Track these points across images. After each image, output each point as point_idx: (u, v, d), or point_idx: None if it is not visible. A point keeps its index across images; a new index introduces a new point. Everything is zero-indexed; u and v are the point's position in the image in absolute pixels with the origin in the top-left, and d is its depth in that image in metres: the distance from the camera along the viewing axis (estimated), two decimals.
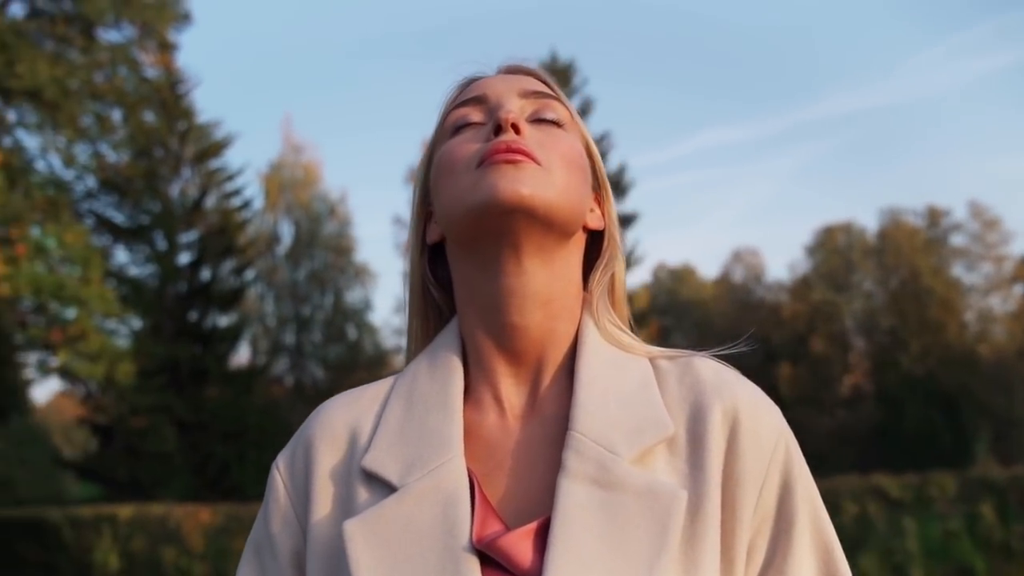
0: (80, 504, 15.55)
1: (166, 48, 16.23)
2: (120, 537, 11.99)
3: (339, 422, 0.85)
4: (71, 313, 12.52)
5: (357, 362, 27.20)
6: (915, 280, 29.80)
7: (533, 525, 0.72)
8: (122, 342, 16.50)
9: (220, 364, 19.93)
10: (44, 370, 14.56)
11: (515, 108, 0.86)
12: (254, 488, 16.68)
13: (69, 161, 15.04)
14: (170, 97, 18.98)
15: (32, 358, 15.01)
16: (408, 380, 0.86)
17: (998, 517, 10.59)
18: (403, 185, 26.35)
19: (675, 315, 38.21)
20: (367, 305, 28.54)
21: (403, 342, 0.95)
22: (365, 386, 0.89)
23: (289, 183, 27.84)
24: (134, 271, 19.70)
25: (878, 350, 30.59)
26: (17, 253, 11.28)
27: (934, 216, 31.68)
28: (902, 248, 30.39)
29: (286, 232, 27.73)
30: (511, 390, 0.84)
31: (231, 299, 20.58)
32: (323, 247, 27.90)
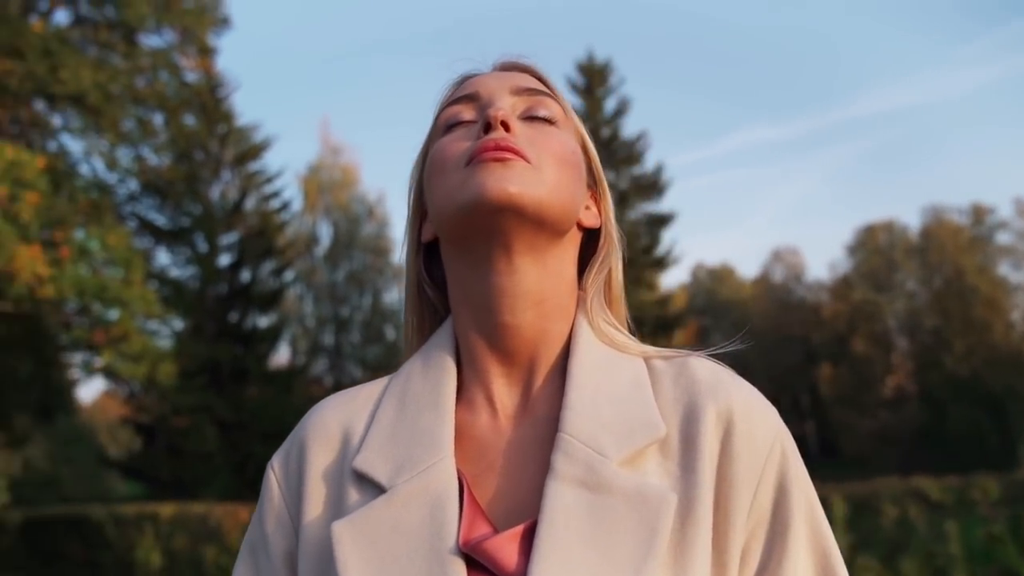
0: (124, 502, 15.79)
1: (206, 52, 16.41)
2: (162, 535, 12.14)
3: (333, 422, 0.84)
4: (114, 314, 12.68)
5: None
6: (959, 279, 29.29)
7: (520, 528, 0.71)
8: (164, 343, 16.71)
9: (260, 364, 20.14)
10: (88, 370, 14.77)
11: (506, 105, 0.85)
12: None
13: (112, 164, 15.30)
14: (210, 101, 19.24)
15: (77, 358, 15.24)
16: (402, 380, 0.86)
17: None
18: None
19: (714, 315, 37.92)
20: None
21: None
22: (360, 386, 0.89)
23: (327, 185, 28.07)
24: (175, 273, 20.02)
25: (921, 350, 30.13)
26: (61, 255, 11.46)
27: (978, 213, 31.12)
28: (945, 246, 29.89)
29: (325, 233, 28.00)
30: (503, 390, 0.83)
31: (271, 300, 20.78)
32: (361, 248, 28.09)
